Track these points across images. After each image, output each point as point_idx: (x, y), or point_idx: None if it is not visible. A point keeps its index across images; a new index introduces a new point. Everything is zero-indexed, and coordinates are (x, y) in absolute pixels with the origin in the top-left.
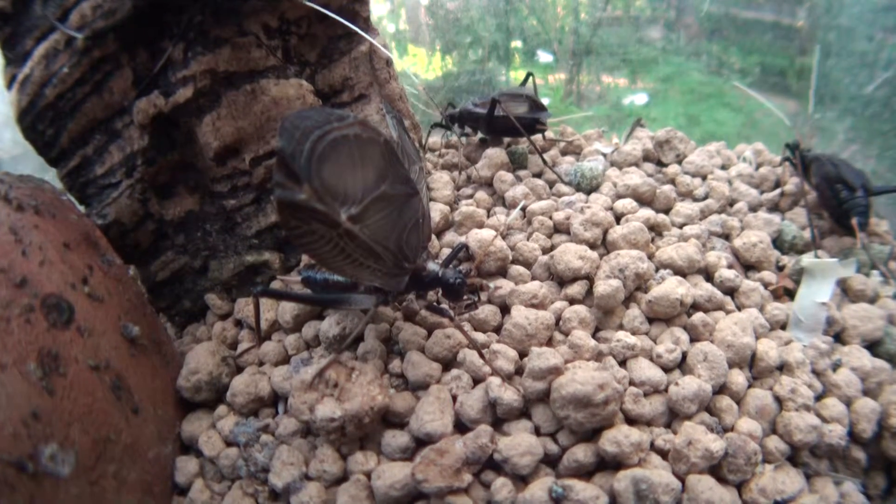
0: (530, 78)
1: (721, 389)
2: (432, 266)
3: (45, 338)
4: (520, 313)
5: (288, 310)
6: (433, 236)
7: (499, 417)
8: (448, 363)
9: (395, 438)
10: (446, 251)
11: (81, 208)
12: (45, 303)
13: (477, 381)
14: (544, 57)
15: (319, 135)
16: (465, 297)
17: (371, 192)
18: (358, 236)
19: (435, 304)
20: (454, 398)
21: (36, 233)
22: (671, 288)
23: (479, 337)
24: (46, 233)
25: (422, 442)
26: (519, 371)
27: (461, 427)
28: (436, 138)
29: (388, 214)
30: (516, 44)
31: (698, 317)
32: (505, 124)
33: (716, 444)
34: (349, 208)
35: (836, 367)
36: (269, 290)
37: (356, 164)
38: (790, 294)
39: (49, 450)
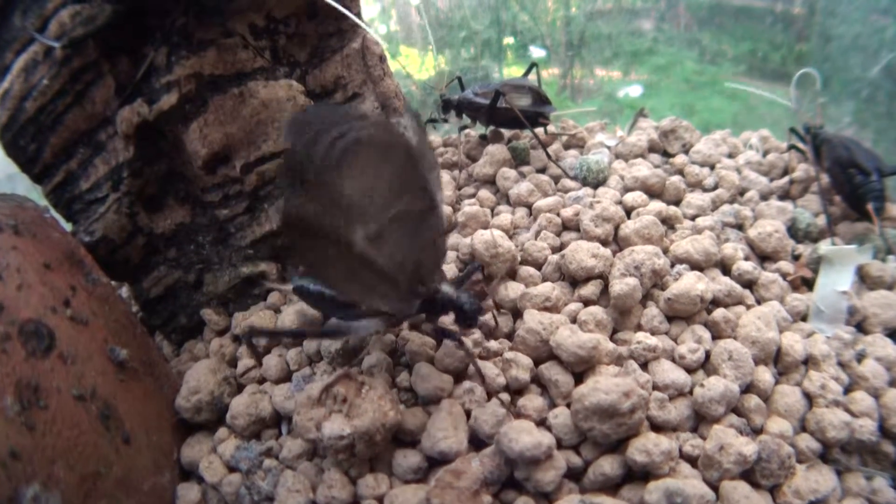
0: (534, 69)
1: (748, 388)
2: (446, 288)
3: (24, 368)
4: (533, 318)
5: (288, 323)
6: None
7: None
8: (460, 375)
9: (407, 458)
10: (448, 254)
11: (69, 226)
12: (23, 330)
13: (491, 393)
14: (536, 52)
15: (335, 136)
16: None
17: (391, 207)
18: (375, 261)
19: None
20: (468, 413)
21: (14, 254)
22: (691, 284)
23: (492, 345)
24: (25, 254)
25: (435, 461)
26: (535, 380)
27: (477, 443)
28: (434, 137)
29: (407, 233)
30: (508, 40)
31: (719, 313)
32: (507, 116)
33: (748, 447)
34: (367, 226)
35: (860, 357)
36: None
37: (376, 174)
38: (808, 284)
39: (31, 491)
